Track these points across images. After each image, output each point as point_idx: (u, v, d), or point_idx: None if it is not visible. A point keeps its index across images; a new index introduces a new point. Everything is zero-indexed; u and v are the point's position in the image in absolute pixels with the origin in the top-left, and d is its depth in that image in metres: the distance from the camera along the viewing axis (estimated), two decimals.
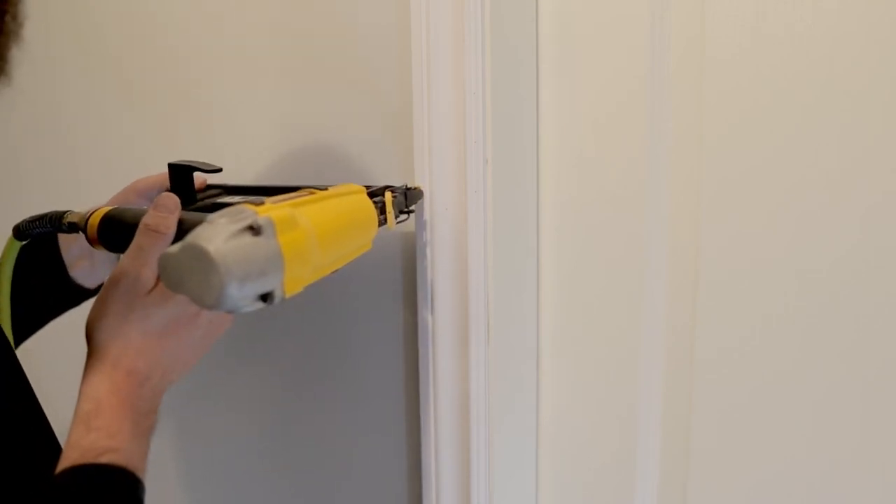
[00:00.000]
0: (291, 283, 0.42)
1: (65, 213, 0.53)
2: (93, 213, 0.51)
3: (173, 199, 0.47)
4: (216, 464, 0.85)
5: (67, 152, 0.87)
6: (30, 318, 0.63)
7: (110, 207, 0.51)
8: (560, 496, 0.75)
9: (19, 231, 0.54)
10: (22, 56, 0.87)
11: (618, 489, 0.72)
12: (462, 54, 0.59)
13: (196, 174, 0.60)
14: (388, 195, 0.57)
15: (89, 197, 0.85)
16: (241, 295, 0.38)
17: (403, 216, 0.61)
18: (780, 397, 0.64)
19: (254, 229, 0.40)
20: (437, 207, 0.63)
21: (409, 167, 0.64)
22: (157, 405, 0.46)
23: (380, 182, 0.65)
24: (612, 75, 0.66)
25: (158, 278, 0.45)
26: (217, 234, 0.38)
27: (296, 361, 0.77)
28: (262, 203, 0.42)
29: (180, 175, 0.59)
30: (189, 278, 0.38)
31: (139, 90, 0.81)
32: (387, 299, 0.70)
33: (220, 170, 0.59)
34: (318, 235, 0.45)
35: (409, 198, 0.61)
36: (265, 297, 0.40)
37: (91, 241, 0.51)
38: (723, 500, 0.68)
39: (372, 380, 0.73)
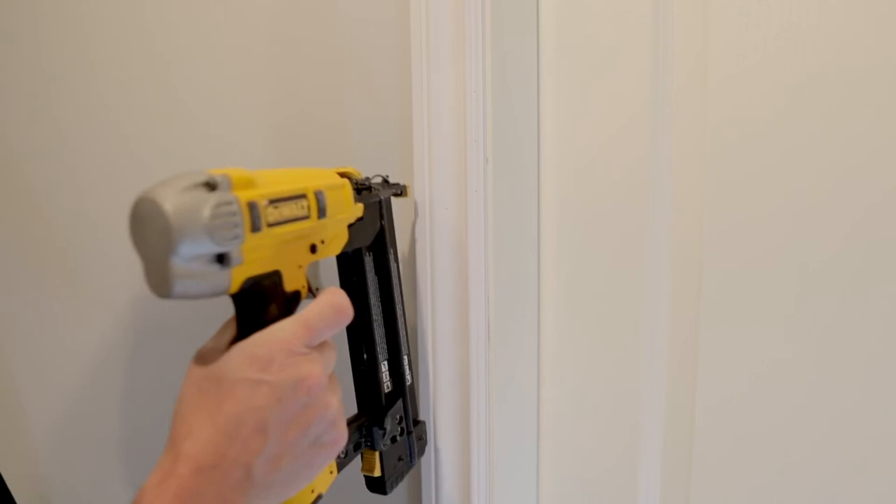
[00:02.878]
0: (251, 247, 0.41)
1: None
2: None
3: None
4: None
5: (64, 150, 0.86)
6: None
7: None
8: (561, 497, 0.75)
9: None
10: (19, 54, 0.86)
11: (620, 490, 0.72)
12: (462, 54, 0.59)
13: None
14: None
15: (87, 194, 0.85)
16: (196, 252, 0.37)
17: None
18: (785, 400, 0.63)
19: (209, 185, 0.39)
20: (437, 207, 0.63)
21: (409, 167, 0.64)
22: None
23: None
24: (614, 73, 0.66)
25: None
26: (170, 187, 0.37)
27: None
28: None
29: None
30: (144, 236, 0.37)
31: (138, 91, 0.81)
32: None
33: None
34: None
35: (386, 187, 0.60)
36: (221, 258, 0.39)
37: None
38: (725, 500, 0.67)
39: None
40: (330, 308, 0.45)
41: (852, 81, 0.57)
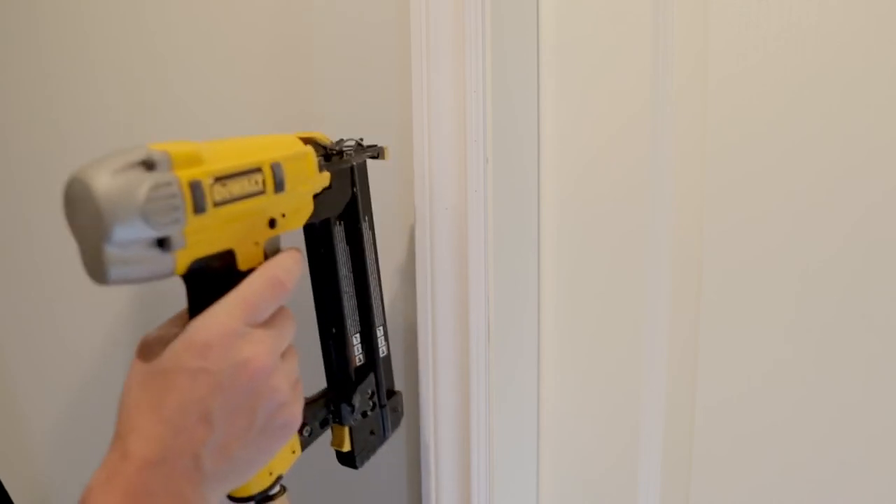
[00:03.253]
0: (195, 229, 0.38)
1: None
2: None
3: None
4: None
5: (64, 150, 0.86)
6: None
7: None
8: (561, 497, 0.75)
9: None
10: (19, 54, 0.86)
11: (620, 490, 0.72)
12: (462, 54, 0.59)
13: None
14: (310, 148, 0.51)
15: None
16: (131, 237, 0.35)
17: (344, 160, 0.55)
18: (785, 400, 0.63)
19: (147, 164, 0.36)
20: (437, 207, 0.63)
21: (409, 167, 0.64)
22: None
23: (380, 183, 0.65)
24: (614, 73, 0.66)
25: None
26: (103, 168, 0.34)
27: None
28: None
29: None
30: (76, 219, 0.35)
31: (138, 91, 0.81)
32: None
33: None
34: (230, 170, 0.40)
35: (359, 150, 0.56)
36: (161, 242, 0.36)
37: None
38: (725, 500, 0.67)
39: None
40: (267, 282, 0.41)
41: (852, 81, 0.57)
